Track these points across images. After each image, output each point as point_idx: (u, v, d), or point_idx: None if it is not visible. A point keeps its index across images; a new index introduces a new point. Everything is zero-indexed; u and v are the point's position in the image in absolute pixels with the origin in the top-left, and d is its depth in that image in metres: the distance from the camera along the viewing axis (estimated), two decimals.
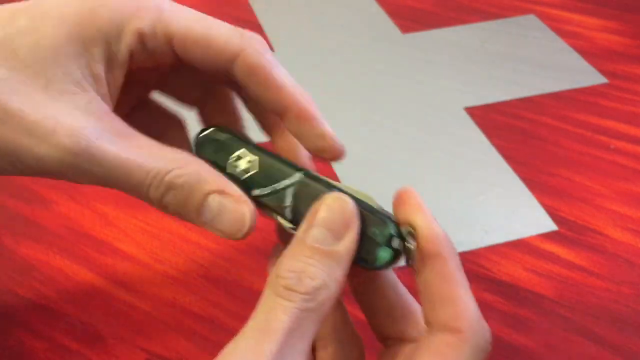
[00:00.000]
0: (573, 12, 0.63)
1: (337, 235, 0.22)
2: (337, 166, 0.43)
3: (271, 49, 0.58)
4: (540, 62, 0.56)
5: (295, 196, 0.24)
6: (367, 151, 0.46)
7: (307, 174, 0.24)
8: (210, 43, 0.24)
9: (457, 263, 0.23)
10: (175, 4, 0.25)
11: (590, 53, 0.57)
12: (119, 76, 0.24)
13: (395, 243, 0.23)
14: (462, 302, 0.22)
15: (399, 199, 0.24)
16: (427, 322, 0.23)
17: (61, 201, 0.42)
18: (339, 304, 0.26)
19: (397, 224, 0.23)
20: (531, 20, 0.62)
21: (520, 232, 0.41)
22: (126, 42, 0.24)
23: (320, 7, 0.64)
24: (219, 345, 0.35)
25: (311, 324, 0.21)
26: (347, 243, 0.22)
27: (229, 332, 0.35)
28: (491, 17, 0.62)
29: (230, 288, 0.37)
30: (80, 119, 0.22)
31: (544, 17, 0.62)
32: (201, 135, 0.26)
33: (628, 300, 0.37)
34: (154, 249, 0.39)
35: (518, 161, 0.46)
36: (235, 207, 0.23)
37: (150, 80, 0.28)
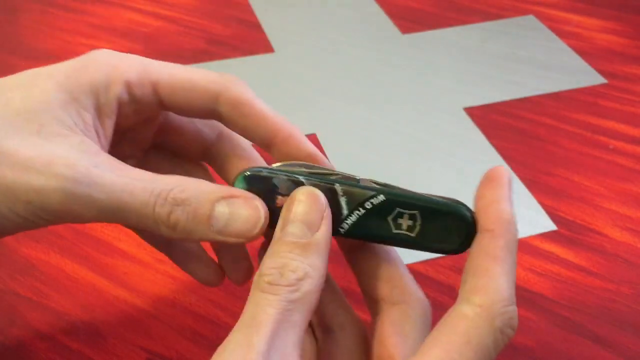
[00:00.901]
0: (572, 13, 0.63)
1: (313, 226, 0.22)
2: (336, 166, 0.43)
3: (271, 49, 0.58)
4: (539, 63, 0.56)
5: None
6: (367, 151, 0.47)
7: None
8: (194, 85, 0.25)
9: (507, 244, 0.22)
10: (154, 60, 0.26)
11: (590, 53, 0.57)
12: (109, 126, 0.25)
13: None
14: (492, 279, 0.21)
15: (487, 176, 0.25)
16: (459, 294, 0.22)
17: None
18: (334, 291, 0.26)
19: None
20: (530, 20, 0.62)
21: (520, 232, 0.40)
22: (114, 92, 0.24)
23: (320, 7, 0.65)
24: (219, 346, 0.35)
25: (298, 314, 0.21)
26: (323, 232, 0.23)
27: (229, 332, 0.35)
28: (491, 17, 0.63)
29: (230, 288, 0.37)
30: (75, 154, 0.23)
31: (543, 18, 0.62)
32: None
33: (627, 300, 0.37)
34: (154, 249, 0.39)
35: (517, 161, 0.46)
36: (245, 205, 0.23)
37: (145, 136, 0.28)
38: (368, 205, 0.24)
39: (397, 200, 0.24)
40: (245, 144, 0.29)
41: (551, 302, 0.37)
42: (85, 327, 0.35)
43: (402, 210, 0.24)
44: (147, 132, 0.28)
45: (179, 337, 0.34)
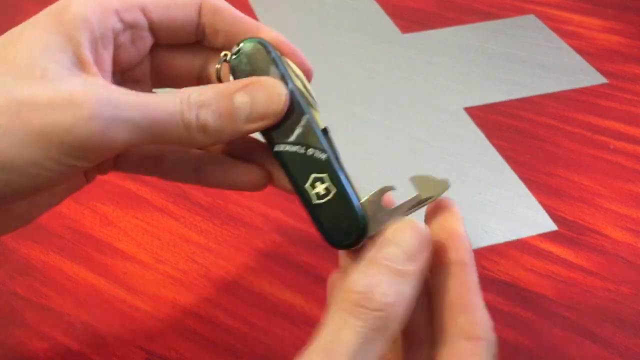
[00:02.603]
0: (573, 13, 0.63)
1: (413, 258, 0.22)
2: None
3: None
4: (540, 63, 0.56)
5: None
6: (366, 151, 0.47)
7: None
8: (176, 1, 0.26)
9: (476, 272, 0.23)
10: None
11: (590, 53, 0.57)
12: (107, 59, 0.25)
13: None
14: (480, 311, 0.23)
15: (436, 206, 0.25)
16: (443, 328, 0.23)
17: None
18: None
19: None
20: (531, 20, 0.62)
21: (520, 232, 0.41)
22: (107, 21, 0.24)
23: (320, 8, 0.64)
24: (219, 346, 0.35)
25: (377, 345, 0.20)
26: (421, 265, 0.22)
27: (229, 332, 0.35)
28: (491, 17, 0.62)
29: (230, 288, 0.37)
30: (87, 85, 0.22)
31: (544, 18, 0.62)
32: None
33: (627, 300, 0.37)
34: (154, 248, 0.39)
35: (518, 161, 0.46)
36: (262, 87, 0.24)
37: (143, 74, 0.29)
38: (310, 151, 0.25)
39: (329, 168, 0.25)
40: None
41: (551, 302, 0.37)
42: (85, 327, 0.35)
43: (326, 178, 0.25)
44: (144, 70, 0.28)
45: (179, 337, 0.34)
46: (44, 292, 0.37)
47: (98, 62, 0.24)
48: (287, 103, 0.25)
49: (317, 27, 0.61)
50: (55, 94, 0.22)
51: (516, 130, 0.49)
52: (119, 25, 0.25)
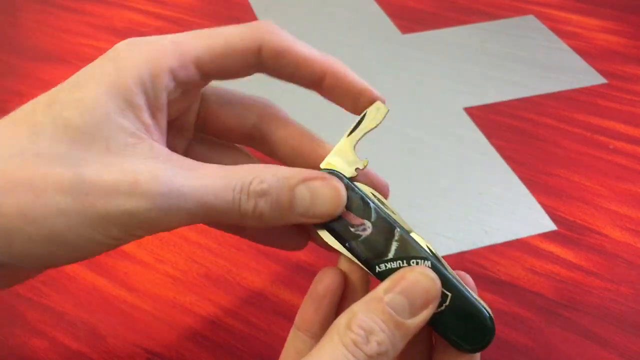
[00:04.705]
0: (572, 13, 0.63)
1: (414, 310, 0.23)
2: None
3: None
4: (539, 63, 0.56)
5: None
6: (366, 151, 0.46)
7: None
8: (233, 49, 0.24)
9: None
10: (181, 34, 0.25)
11: (589, 53, 0.57)
12: (162, 121, 0.25)
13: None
14: None
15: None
16: None
17: None
18: None
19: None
20: (530, 20, 0.62)
21: (520, 232, 0.41)
22: (162, 84, 0.24)
23: (320, 7, 0.65)
24: (219, 345, 0.35)
25: None
26: (419, 321, 0.23)
27: (229, 332, 0.35)
28: (490, 17, 0.63)
29: (230, 288, 0.37)
30: (152, 165, 0.22)
31: (543, 18, 0.62)
32: None
33: (627, 300, 0.37)
34: (155, 248, 0.39)
35: (517, 161, 0.46)
36: (325, 186, 0.24)
37: (188, 124, 0.28)
38: (412, 262, 0.24)
39: (439, 273, 0.24)
40: (288, 118, 0.28)
41: (551, 301, 0.37)
42: (85, 327, 0.35)
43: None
44: (190, 119, 0.28)
45: (179, 337, 0.34)
46: (45, 291, 0.37)
47: (156, 126, 0.24)
48: (344, 205, 0.24)
49: (316, 27, 0.61)
50: (121, 178, 0.22)
51: (516, 130, 0.49)
52: (172, 85, 0.24)
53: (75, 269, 0.38)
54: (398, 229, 0.24)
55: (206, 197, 0.22)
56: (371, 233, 0.24)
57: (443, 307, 0.24)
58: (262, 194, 0.23)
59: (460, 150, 0.47)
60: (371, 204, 0.25)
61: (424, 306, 0.23)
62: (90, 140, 0.22)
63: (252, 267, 0.38)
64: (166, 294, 0.37)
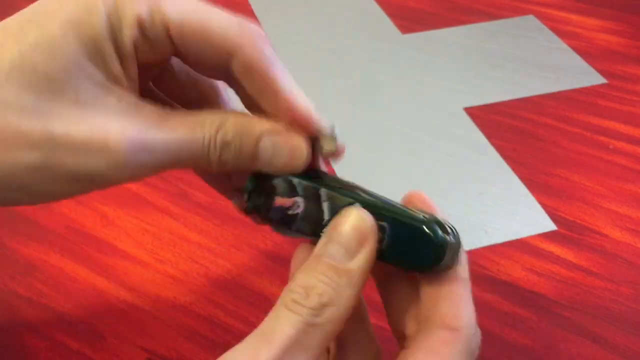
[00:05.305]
0: (572, 13, 0.63)
1: (351, 252, 0.22)
2: (336, 167, 0.43)
3: None
4: (539, 63, 0.56)
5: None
6: (366, 151, 0.47)
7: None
8: (207, 34, 0.23)
9: (465, 266, 0.23)
10: None
11: (589, 53, 0.57)
12: (132, 68, 0.24)
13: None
14: (463, 303, 0.22)
15: (410, 201, 0.25)
16: (425, 318, 0.23)
17: (62, 201, 0.42)
18: (360, 303, 0.26)
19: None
20: (530, 20, 0.62)
21: (520, 232, 0.41)
22: (129, 34, 0.23)
23: (320, 7, 0.65)
24: (219, 345, 0.35)
25: (315, 338, 0.21)
26: (360, 262, 0.22)
27: (229, 332, 0.35)
28: (490, 17, 0.63)
29: (230, 288, 0.37)
30: (122, 121, 0.22)
31: (543, 18, 0.62)
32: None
33: (627, 300, 0.37)
34: (155, 248, 0.39)
35: (517, 161, 0.46)
36: (287, 141, 0.24)
37: (145, 79, 0.27)
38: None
39: (369, 209, 0.23)
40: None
41: (551, 302, 0.37)
42: (85, 327, 0.35)
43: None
44: (148, 76, 0.27)
45: (179, 337, 0.34)
46: (45, 291, 0.37)
47: (125, 74, 0.23)
48: (308, 161, 0.24)
49: (316, 27, 0.61)
50: (89, 135, 0.22)
51: (516, 130, 0.49)
52: (140, 38, 0.23)
53: (76, 269, 0.38)
54: (323, 189, 0.24)
55: (176, 151, 0.23)
56: (305, 206, 0.24)
57: (386, 239, 0.23)
58: (228, 143, 0.23)
59: (460, 150, 0.47)
60: (293, 179, 0.24)
61: (360, 244, 0.22)
62: (58, 89, 0.22)
63: (252, 267, 0.38)
64: (166, 294, 0.37)
